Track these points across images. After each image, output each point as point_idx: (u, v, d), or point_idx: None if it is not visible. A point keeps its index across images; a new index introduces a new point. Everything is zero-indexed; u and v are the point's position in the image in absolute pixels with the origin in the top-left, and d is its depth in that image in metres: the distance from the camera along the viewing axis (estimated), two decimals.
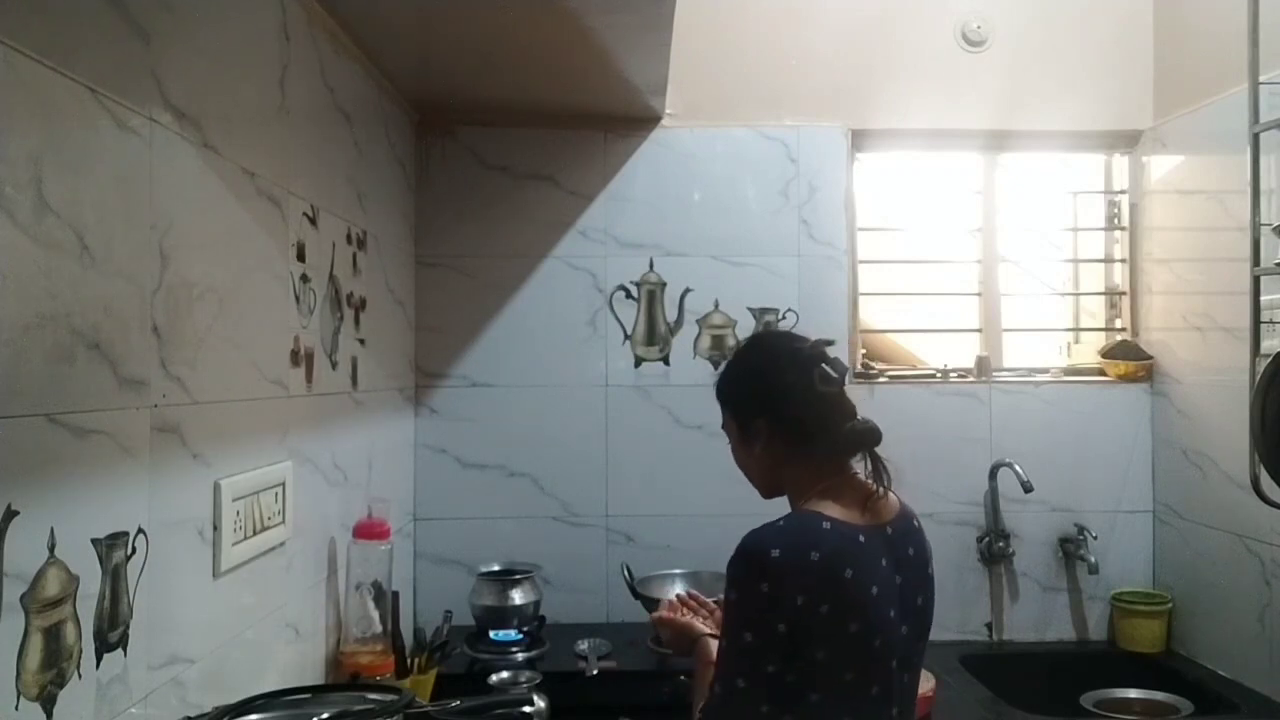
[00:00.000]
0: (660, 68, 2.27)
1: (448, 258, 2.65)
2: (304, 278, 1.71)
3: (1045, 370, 2.75)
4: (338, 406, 1.92)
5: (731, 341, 2.66)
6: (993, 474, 2.62)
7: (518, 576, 2.39)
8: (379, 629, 1.91)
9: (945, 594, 2.57)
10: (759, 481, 1.46)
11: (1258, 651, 2.24)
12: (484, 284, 2.65)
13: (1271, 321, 2.05)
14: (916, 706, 1.43)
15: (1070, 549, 2.64)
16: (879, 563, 1.30)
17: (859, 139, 2.73)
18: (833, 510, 1.31)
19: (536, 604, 2.39)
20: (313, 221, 1.76)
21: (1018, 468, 2.49)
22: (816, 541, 1.26)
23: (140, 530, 1.15)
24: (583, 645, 2.30)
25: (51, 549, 0.98)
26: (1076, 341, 2.85)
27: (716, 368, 2.66)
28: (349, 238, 2.00)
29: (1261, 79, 2.03)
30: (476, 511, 2.63)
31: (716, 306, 2.67)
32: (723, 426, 1.50)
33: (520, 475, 2.64)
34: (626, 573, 2.46)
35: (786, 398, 1.37)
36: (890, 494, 1.38)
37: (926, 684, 2.08)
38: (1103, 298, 2.84)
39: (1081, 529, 2.62)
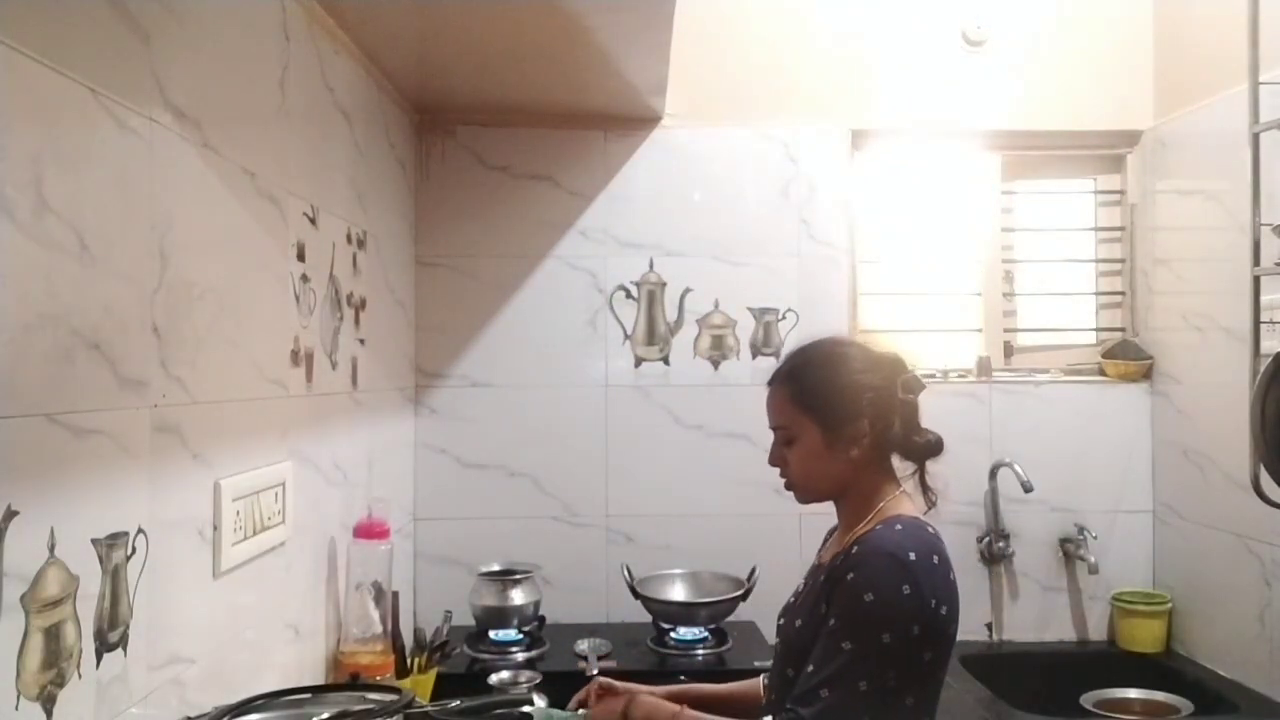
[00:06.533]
0: (660, 68, 2.27)
1: (448, 258, 2.65)
2: (304, 278, 1.71)
3: (1045, 370, 2.75)
4: (338, 406, 1.92)
5: (731, 341, 2.66)
6: (993, 474, 2.62)
7: (518, 576, 2.39)
8: (379, 629, 1.91)
9: None
10: (829, 485, 1.41)
11: (1258, 651, 2.24)
12: (484, 284, 2.65)
13: (1271, 321, 2.05)
14: None
15: (1070, 549, 2.64)
16: None
17: (859, 138, 2.73)
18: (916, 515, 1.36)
19: (536, 604, 2.39)
20: (313, 221, 1.76)
21: (1018, 468, 2.48)
22: (935, 545, 1.32)
23: (140, 530, 1.15)
24: (583, 645, 2.30)
25: (51, 549, 0.98)
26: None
27: (716, 368, 2.66)
28: (349, 238, 2.00)
29: (1261, 79, 2.03)
30: (476, 511, 2.63)
31: (716, 306, 2.67)
32: (781, 430, 1.42)
33: (520, 475, 2.64)
34: (626, 573, 2.46)
35: (887, 402, 1.39)
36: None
37: None
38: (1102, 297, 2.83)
39: (1081, 529, 2.62)
